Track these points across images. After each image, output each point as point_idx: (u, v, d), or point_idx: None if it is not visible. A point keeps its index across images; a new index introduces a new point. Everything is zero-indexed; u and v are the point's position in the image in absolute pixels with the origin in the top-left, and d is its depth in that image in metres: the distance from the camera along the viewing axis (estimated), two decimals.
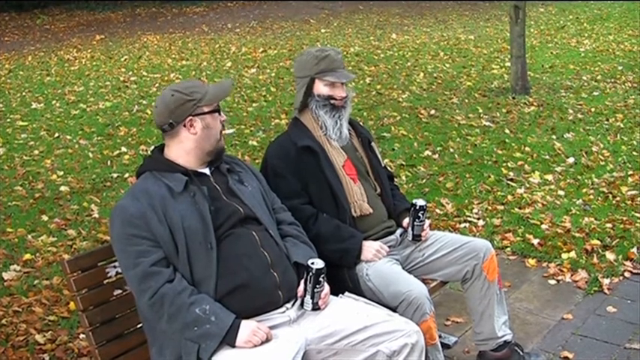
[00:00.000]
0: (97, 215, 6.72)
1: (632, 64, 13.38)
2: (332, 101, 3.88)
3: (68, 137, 9.44)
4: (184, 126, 3.20)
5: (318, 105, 3.87)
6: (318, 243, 3.57)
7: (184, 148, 3.22)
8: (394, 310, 3.48)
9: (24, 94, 12.41)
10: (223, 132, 3.33)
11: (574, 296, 5.07)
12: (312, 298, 3.17)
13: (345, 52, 15.40)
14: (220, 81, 3.41)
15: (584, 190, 6.91)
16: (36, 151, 8.87)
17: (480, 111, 10.16)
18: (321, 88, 3.87)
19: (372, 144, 4.15)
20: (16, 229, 6.45)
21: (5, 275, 5.57)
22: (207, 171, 3.28)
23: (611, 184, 7.03)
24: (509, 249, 5.78)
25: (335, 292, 3.39)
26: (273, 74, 13.38)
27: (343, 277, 3.71)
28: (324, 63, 3.84)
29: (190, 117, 3.19)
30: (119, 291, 3.23)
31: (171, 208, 3.06)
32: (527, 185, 7.12)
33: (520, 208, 6.51)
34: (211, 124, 3.24)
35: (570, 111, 9.98)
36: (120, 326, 3.25)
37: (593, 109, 10.04)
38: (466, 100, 10.93)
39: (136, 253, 2.99)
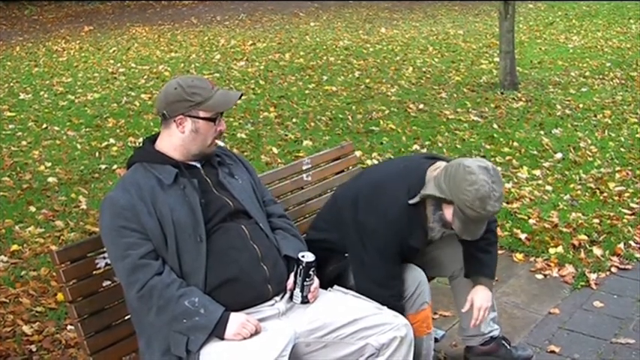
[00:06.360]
0: (84, 207, 6.70)
1: (620, 60, 13.44)
2: (446, 225, 3.48)
3: (56, 128, 9.40)
4: (174, 121, 3.18)
5: (434, 216, 3.46)
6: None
7: (172, 143, 3.20)
8: None
9: (12, 84, 12.35)
10: (216, 141, 3.29)
11: (561, 291, 5.09)
12: (302, 291, 3.17)
13: (334, 46, 15.42)
14: (228, 92, 3.29)
15: (572, 186, 6.94)
16: (24, 142, 8.83)
17: (469, 106, 10.18)
18: (449, 214, 3.42)
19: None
20: (4, 220, 6.42)
21: None
22: (197, 163, 3.26)
23: (599, 180, 7.06)
24: None
25: (324, 285, 3.40)
26: (262, 67, 13.36)
27: (333, 270, 3.70)
28: (473, 214, 3.32)
29: (181, 116, 3.16)
30: (108, 282, 3.22)
31: (161, 201, 3.05)
32: (515, 180, 7.14)
33: (508, 203, 6.52)
34: (202, 129, 3.19)
35: (558, 107, 10.02)
36: (108, 317, 3.23)
37: (581, 105, 10.08)
38: (455, 95, 10.95)
39: (125, 245, 2.99)
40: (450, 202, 3.35)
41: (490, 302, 3.74)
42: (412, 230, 3.50)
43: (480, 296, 3.71)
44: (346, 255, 3.65)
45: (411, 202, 3.44)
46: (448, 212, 3.40)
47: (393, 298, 3.47)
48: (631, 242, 5.73)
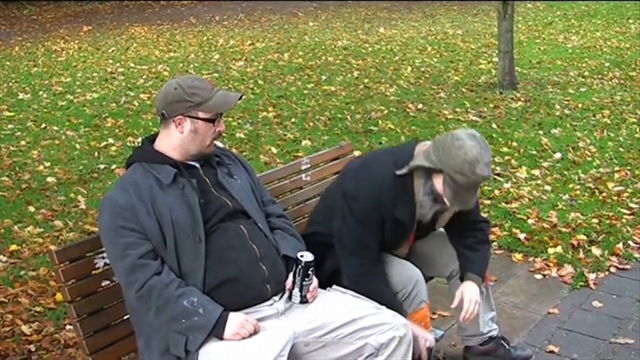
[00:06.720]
0: (83, 206, 6.70)
1: (619, 60, 13.44)
2: (438, 199, 3.47)
3: (55, 128, 9.39)
4: (173, 122, 3.18)
5: (424, 188, 3.47)
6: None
7: (171, 142, 3.20)
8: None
9: (11, 84, 12.34)
10: (215, 142, 3.29)
11: (560, 291, 5.09)
12: (301, 291, 3.18)
13: (332, 46, 15.42)
14: (228, 93, 3.29)
15: (571, 186, 6.94)
16: (23, 142, 8.83)
17: (468, 106, 10.18)
18: (439, 185, 3.41)
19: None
20: (3, 219, 6.42)
21: None
22: (196, 164, 3.26)
23: (598, 180, 7.06)
24: (495, 243, 5.78)
25: (323, 284, 3.40)
26: (260, 67, 13.36)
27: (331, 266, 3.69)
28: (462, 179, 3.33)
29: (181, 116, 3.16)
30: (107, 282, 3.22)
31: (160, 200, 3.05)
32: (514, 180, 7.14)
33: (507, 203, 6.52)
34: (201, 130, 3.19)
35: (557, 107, 10.02)
36: (107, 317, 3.23)
37: (580, 105, 10.08)
38: (453, 95, 10.95)
39: (124, 245, 2.99)
40: (440, 170, 3.37)
41: (479, 297, 3.73)
42: (397, 202, 3.51)
43: (469, 290, 3.70)
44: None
45: (398, 173, 3.47)
46: (438, 182, 3.41)
47: (364, 267, 3.53)
48: (630, 242, 5.73)
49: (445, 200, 3.44)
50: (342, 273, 3.58)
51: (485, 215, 6.16)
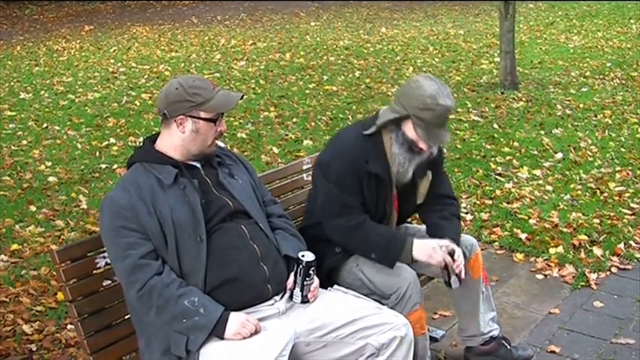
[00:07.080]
0: (85, 206, 6.70)
1: (621, 60, 13.44)
2: (413, 147, 3.58)
3: (57, 128, 9.40)
4: (175, 121, 3.18)
5: (397, 139, 3.58)
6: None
7: (172, 142, 3.20)
8: (386, 299, 3.51)
9: (12, 84, 12.35)
10: (216, 141, 3.29)
11: (561, 291, 5.08)
12: (302, 290, 3.18)
13: (334, 46, 15.42)
14: (229, 93, 3.29)
15: (572, 186, 6.94)
16: (24, 142, 8.83)
17: (469, 106, 10.18)
18: (410, 130, 3.53)
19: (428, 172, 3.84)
20: (4, 219, 6.42)
21: None
22: (197, 164, 3.26)
23: (599, 180, 7.06)
24: (497, 243, 5.79)
25: (324, 284, 3.40)
26: (262, 67, 13.36)
27: (332, 269, 3.70)
28: (428, 114, 3.44)
29: (182, 116, 3.16)
30: (108, 281, 3.22)
31: (161, 200, 3.05)
32: (516, 180, 7.14)
33: (508, 203, 6.52)
34: (202, 130, 3.19)
35: (559, 107, 10.01)
36: (109, 317, 3.24)
37: (581, 105, 10.08)
38: (455, 95, 10.93)
39: (125, 245, 2.99)
40: (407, 116, 3.49)
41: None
42: (369, 158, 3.59)
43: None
44: (337, 250, 3.69)
45: (366, 132, 3.61)
46: (408, 128, 3.53)
47: (350, 222, 3.59)
48: (631, 242, 5.72)
49: (419, 144, 3.54)
50: (330, 238, 3.64)
51: (486, 215, 6.20)
